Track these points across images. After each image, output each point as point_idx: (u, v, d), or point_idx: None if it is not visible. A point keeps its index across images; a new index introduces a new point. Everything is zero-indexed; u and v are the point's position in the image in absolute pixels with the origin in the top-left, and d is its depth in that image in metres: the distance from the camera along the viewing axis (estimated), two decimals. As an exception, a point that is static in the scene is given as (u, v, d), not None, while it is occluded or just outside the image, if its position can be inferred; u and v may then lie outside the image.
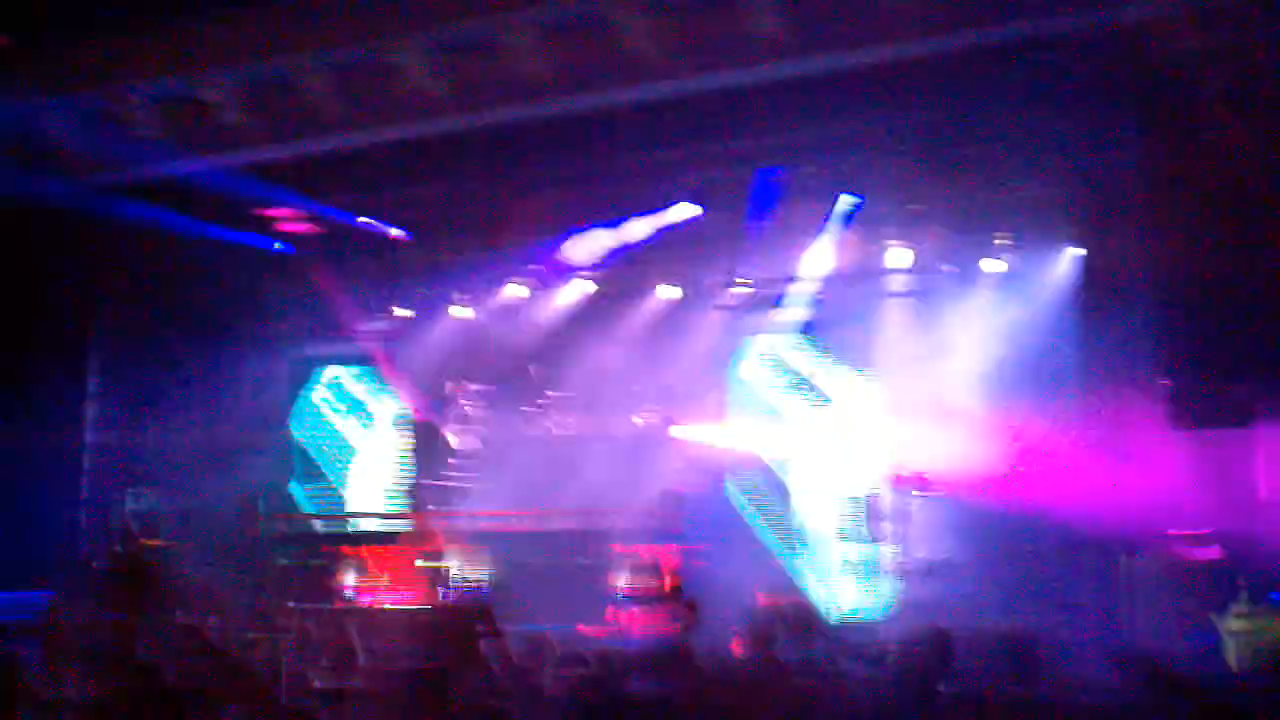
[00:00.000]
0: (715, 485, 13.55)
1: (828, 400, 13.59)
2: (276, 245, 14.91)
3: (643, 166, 13.29)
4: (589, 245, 14.37)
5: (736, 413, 13.97)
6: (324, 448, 16.11)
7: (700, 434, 13.74)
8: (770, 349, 14.03)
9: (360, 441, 16.02)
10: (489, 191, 14.25)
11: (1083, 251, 12.17)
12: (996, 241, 12.79)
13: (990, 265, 12.82)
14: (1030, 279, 12.46)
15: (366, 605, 11.95)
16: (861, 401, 13.26)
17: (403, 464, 15.05)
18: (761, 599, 8.20)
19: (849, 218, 13.15)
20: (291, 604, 10.63)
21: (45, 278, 14.23)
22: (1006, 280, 12.68)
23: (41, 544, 13.43)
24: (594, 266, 14.62)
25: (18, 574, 11.42)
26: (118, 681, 4.19)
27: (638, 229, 14.11)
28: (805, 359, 13.82)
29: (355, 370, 16.08)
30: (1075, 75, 10.43)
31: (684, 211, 13.88)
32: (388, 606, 12.08)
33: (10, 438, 13.74)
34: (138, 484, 13.78)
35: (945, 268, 13.04)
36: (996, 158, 12.13)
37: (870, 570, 12.37)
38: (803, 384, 13.77)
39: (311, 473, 16.03)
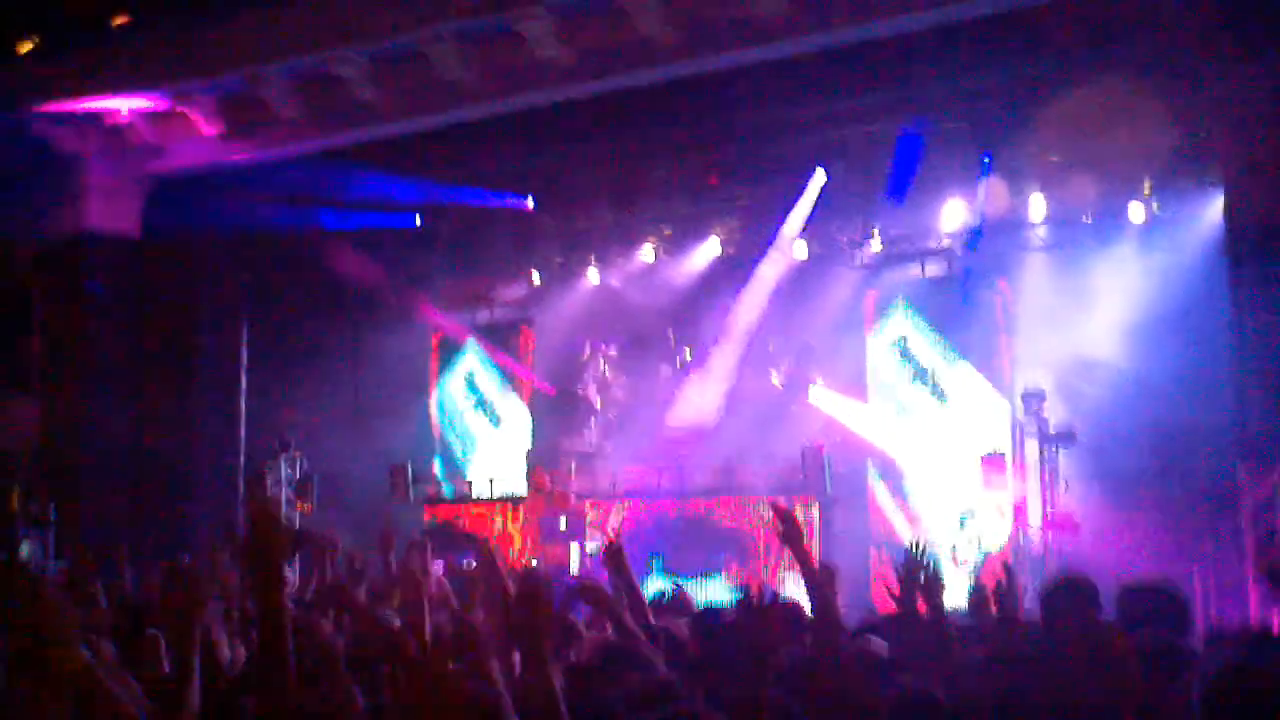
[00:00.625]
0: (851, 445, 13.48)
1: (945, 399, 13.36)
2: (417, 220, 15.20)
3: (773, 126, 13.19)
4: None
5: (870, 390, 13.81)
6: (463, 419, 16.43)
7: (836, 404, 13.65)
8: (898, 335, 13.79)
9: (497, 413, 16.27)
10: (620, 156, 14.31)
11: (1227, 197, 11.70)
12: (1141, 188, 12.39)
13: (1135, 213, 12.43)
14: (1177, 226, 12.04)
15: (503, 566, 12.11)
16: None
17: (540, 430, 15.31)
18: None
19: (987, 170, 12.86)
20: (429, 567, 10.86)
21: (198, 259, 14.81)
22: (1151, 229, 12.27)
23: (200, 510, 14.00)
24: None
25: (177, 539, 11.88)
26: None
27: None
28: (931, 352, 13.56)
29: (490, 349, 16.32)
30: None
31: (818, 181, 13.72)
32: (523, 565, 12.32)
33: (173, 411, 14.31)
34: (289, 450, 14.25)
35: (1087, 218, 12.67)
36: (1135, 102, 11.73)
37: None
38: (926, 377, 13.56)
39: (452, 442, 16.36)
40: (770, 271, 14.39)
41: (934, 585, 5.72)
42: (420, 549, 7.24)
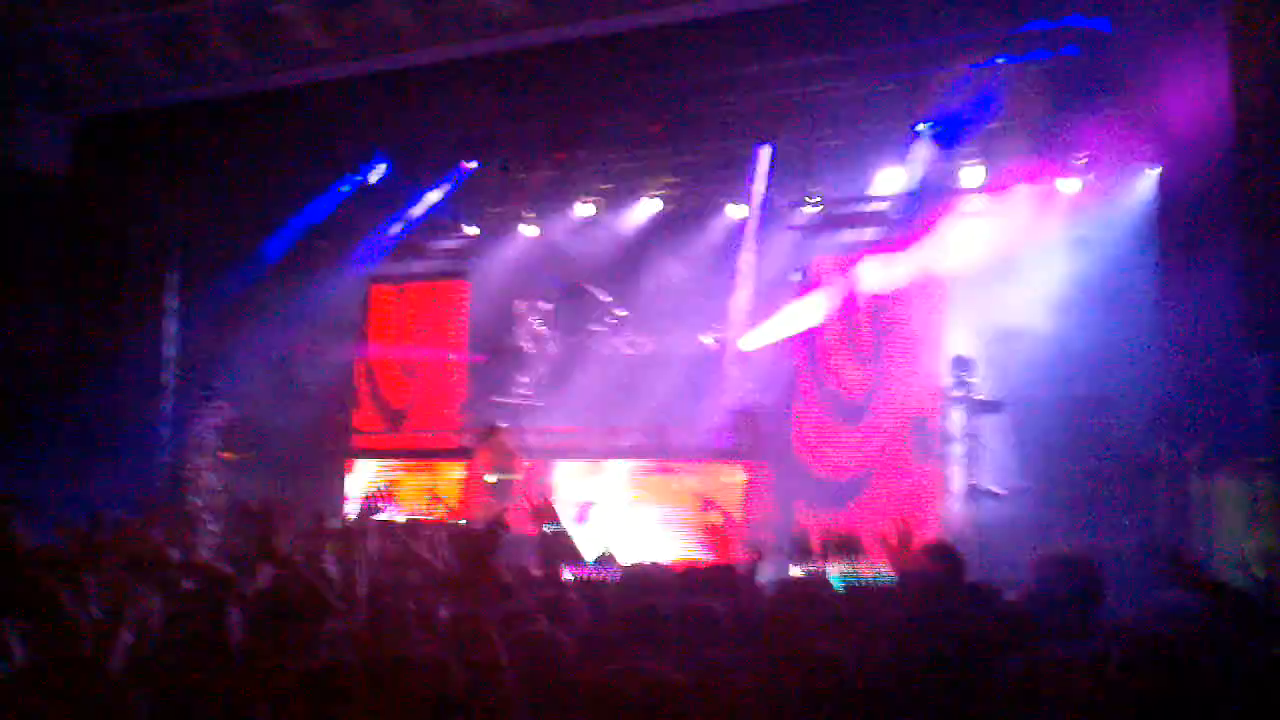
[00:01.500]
0: (783, 403, 13.55)
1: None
2: (353, 168, 15.00)
3: (710, 83, 13.12)
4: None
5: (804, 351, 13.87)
6: (396, 367, 16.30)
7: (770, 334, 13.67)
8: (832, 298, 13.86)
9: (431, 360, 16.15)
10: (560, 108, 14.18)
11: (1159, 170, 11.86)
12: (1073, 161, 12.52)
13: (1066, 185, 12.56)
14: (1107, 200, 12.17)
15: (433, 520, 12.11)
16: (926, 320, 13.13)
17: (472, 382, 15.24)
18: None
19: (922, 135, 12.93)
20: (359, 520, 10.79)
21: (126, 196, 14.48)
22: (1082, 201, 12.41)
23: (125, 460, 13.77)
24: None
25: (103, 492, 11.69)
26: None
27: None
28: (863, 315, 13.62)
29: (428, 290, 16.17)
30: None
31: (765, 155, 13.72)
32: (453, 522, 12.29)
33: (93, 353, 14.03)
34: (215, 399, 14.07)
35: (1020, 186, 12.78)
36: (1073, 73, 11.83)
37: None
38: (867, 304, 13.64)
39: (383, 392, 16.23)
40: (707, 232, 14.43)
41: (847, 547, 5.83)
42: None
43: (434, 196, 15.15)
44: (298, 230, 15.01)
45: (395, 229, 15.45)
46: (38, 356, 13.79)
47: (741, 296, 14.08)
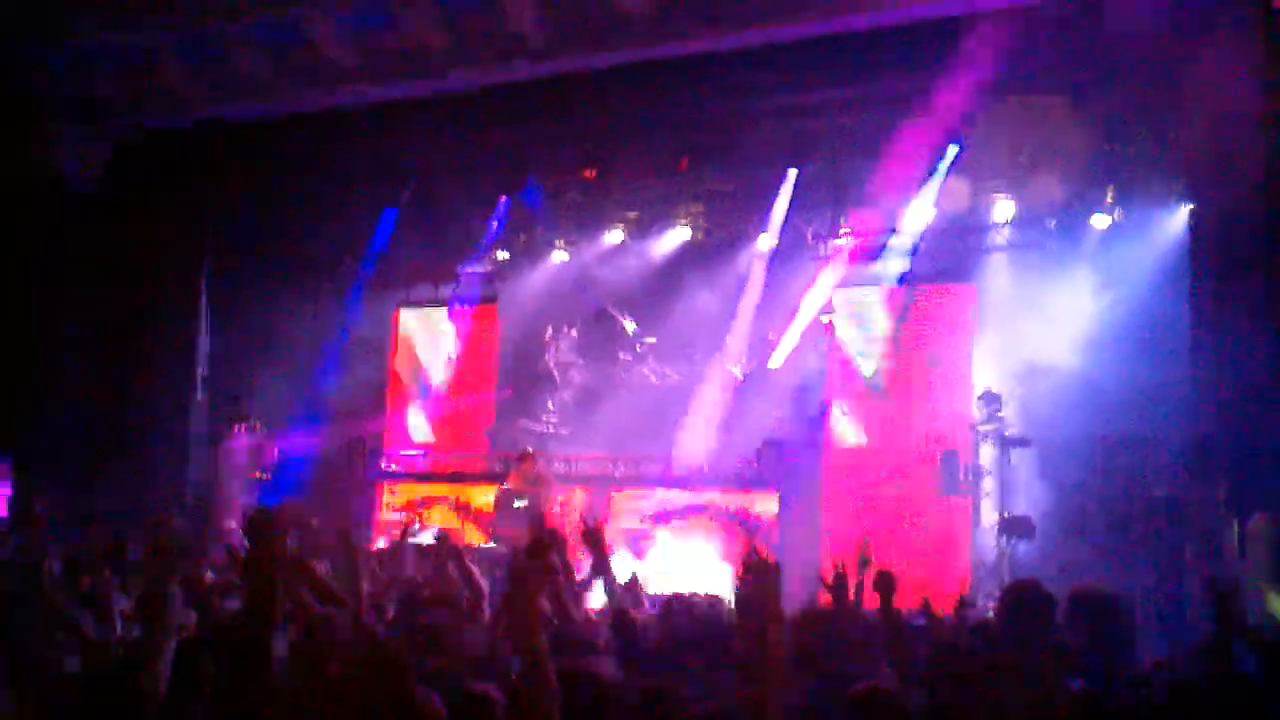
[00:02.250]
0: (812, 433, 13.51)
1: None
2: (386, 192, 15.08)
3: (738, 113, 13.19)
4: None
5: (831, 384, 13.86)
6: (426, 390, 16.32)
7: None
8: (862, 301, 13.84)
9: (460, 386, 16.18)
10: (590, 136, 14.26)
11: (1192, 207, 11.82)
12: (1105, 197, 12.50)
13: (1098, 221, 12.54)
14: (1139, 236, 12.13)
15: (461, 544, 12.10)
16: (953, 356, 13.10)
17: (501, 408, 15.27)
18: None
19: (953, 167, 12.94)
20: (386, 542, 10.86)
21: (160, 213, 14.60)
22: (1113, 237, 12.37)
23: (159, 477, 13.86)
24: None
25: (131, 509, 11.77)
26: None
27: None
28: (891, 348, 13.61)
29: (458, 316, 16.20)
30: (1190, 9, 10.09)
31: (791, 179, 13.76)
32: (478, 545, 12.31)
33: (124, 376, 14.15)
34: (248, 419, 14.15)
35: (1051, 223, 12.77)
36: (1106, 107, 11.84)
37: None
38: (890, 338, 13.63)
39: (416, 414, 16.27)
40: (735, 261, 14.46)
41: (885, 581, 5.81)
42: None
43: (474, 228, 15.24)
44: (330, 253, 15.10)
45: (428, 254, 15.51)
46: (73, 371, 13.93)
47: (768, 326, 14.07)
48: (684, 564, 12.45)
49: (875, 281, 13.79)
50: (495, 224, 15.22)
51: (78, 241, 14.20)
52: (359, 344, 15.73)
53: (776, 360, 13.79)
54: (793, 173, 13.78)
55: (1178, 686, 4.40)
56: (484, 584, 6.52)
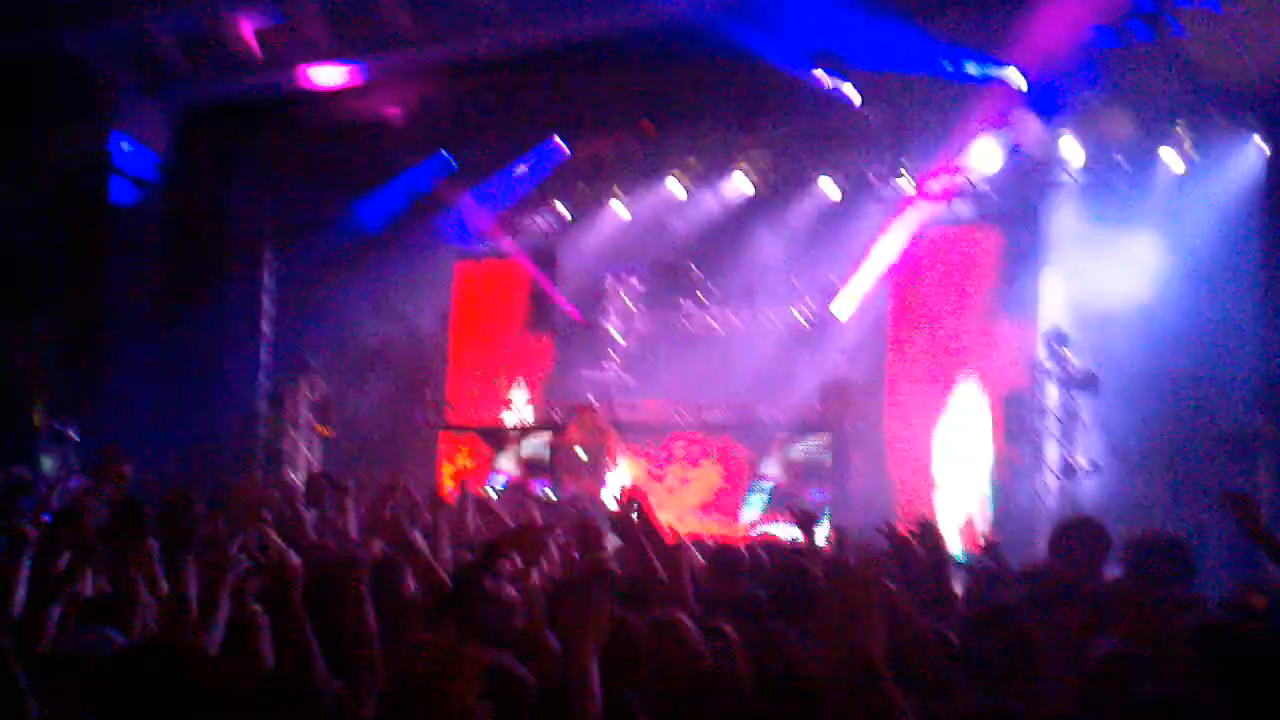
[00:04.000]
0: (874, 377, 13.39)
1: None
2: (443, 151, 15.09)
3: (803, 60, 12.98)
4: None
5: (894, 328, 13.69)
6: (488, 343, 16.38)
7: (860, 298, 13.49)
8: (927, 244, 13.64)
9: (520, 339, 16.23)
10: (648, 86, 14.14)
11: (1267, 147, 11.49)
12: (1177, 132, 12.17)
13: (1169, 157, 12.21)
14: (1211, 174, 11.81)
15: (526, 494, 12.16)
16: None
17: (561, 359, 15.30)
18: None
19: (1016, 106, 12.64)
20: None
21: (225, 179, 14.77)
22: (1186, 173, 12.05)
23: (223, 434, 14.07)
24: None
25: (196, 460, 11.97)
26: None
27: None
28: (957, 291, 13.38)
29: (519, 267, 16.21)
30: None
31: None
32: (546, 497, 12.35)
33: (194, 328, 14.36)
34: (310, 373, 14.30)
35: (1120, 160, 12.45)
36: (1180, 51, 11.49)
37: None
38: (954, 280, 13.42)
39: (471, 368, 16.32)
40: (798, 207, 14.31)
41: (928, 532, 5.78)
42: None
43: (522, 170, 15.15)
44: (390, 208, 15.16)
45: (486, 207, 15.52)
46: (142, 338, 14.16)
47: (832, 271, 13.92)
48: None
49: (940, 223, 13.57)
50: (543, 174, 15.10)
51: (147, 212, 14.40)
52: (420, 298, 15.79)
53: (842, 308, 13.64)
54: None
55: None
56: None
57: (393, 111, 14.09)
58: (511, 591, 4.53)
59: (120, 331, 14.09)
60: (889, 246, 13.74)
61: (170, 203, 14.55)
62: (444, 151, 14.93)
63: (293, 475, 13.14)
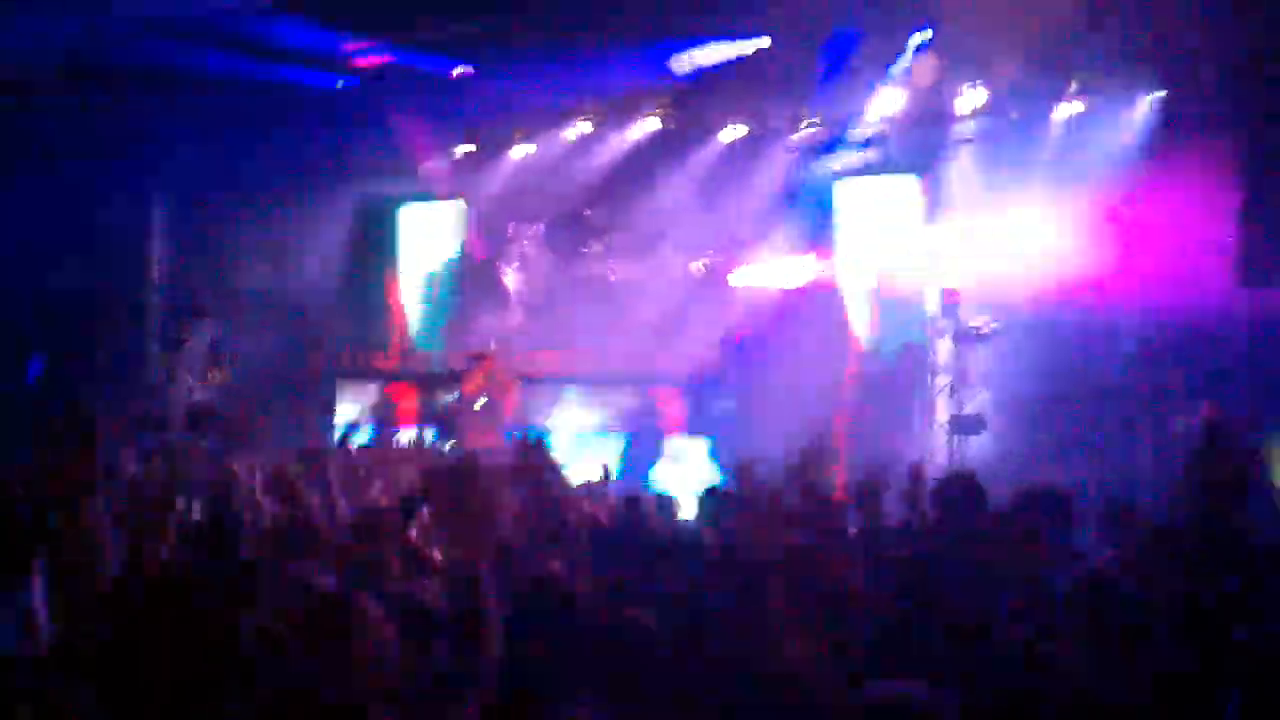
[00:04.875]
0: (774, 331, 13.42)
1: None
2: (339, 83, 14.73)
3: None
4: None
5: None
6: (388, 287, 16.15)
7: (759, 277, 13.52)
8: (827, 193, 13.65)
9: (421, 282, 16.04)
10: (553, 24, 13.92)
11: (1162, 93, 11.66)
12: (1071, 85, 12.30)
13: (1064, 110, 12.36)
14: (1105, 125, 11.98)
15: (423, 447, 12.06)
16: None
17: (463, 305, 15.15)
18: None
19: (920, 54, 12.67)
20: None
21: (111, 116, 14.28)
22: (1079, 126, 12.20)
23: (113, 379, 13.74)
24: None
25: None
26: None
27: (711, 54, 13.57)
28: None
29: (422, 209, 15.96)
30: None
31: (755, 44, 13.36)
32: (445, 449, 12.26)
33: (79, 274, 13.97)
34: (204, 319, 13.97)
35: (1015, 114, 12.57)
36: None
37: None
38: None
39: (375, 312, 16.10)
40: (702, 155, 14.25)
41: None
42: None
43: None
44: (287, 148, 14.78)
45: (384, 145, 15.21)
46: (21, 270, 13.72)
47: (736, 219, 13.90)
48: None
49: (839, 174, 13.62)
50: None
51: (29, 140, 13.90)
52: (318, 241, 15.51)
53: (737, 277, 13.60)
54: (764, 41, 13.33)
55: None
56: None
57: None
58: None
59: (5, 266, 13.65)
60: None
61: (54, 137, 14.05)
62: (340, 78, 14.52)
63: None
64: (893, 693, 2.89)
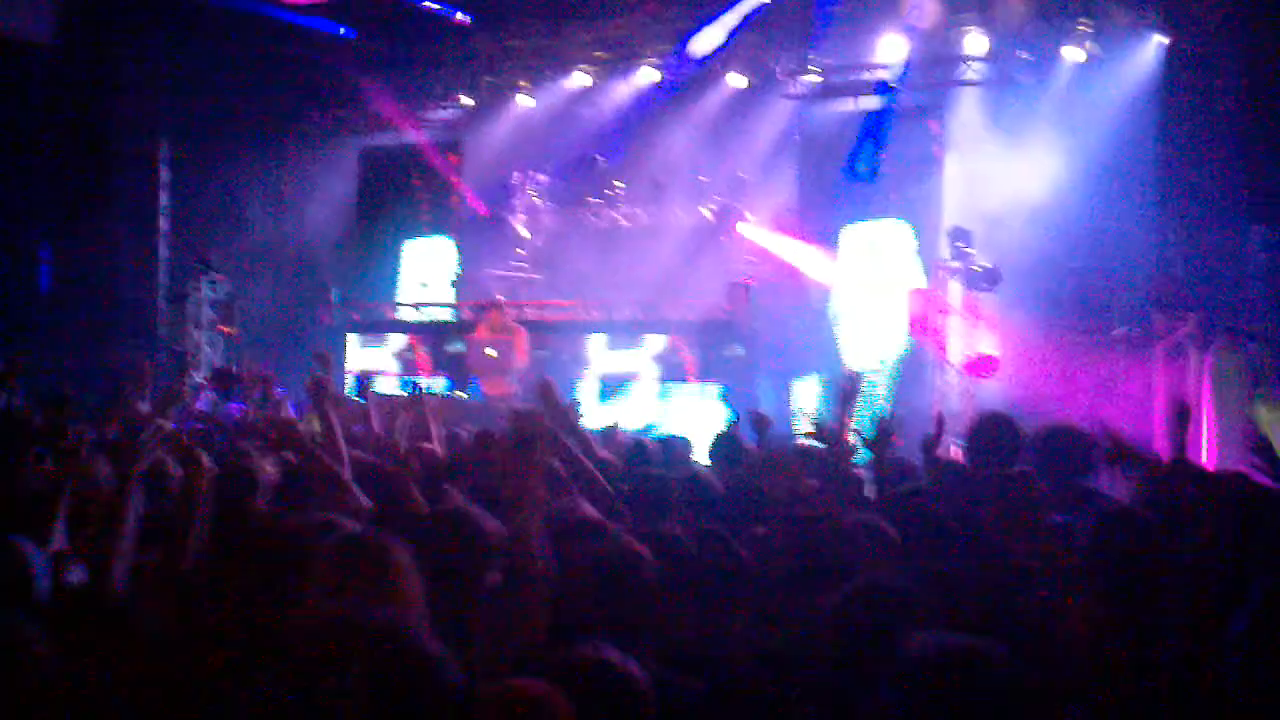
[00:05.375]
0: (783, 277, 13.44)
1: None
2: (341, 30, 14.67)
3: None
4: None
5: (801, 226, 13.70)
6: (391, 239, 16.14)
7: (766, 239, 13.56)
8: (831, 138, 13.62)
9: (429, 232, 16.03)
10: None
11: (1167, 40, 11.66)
12: (1078, 28, 12.27)
13: (1071, 53, 12.33)
14: (1112, 69, 11.97)
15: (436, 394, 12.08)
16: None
17: (465, 256, 15.15)
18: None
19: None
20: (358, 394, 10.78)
21: (114, 71, 14.20)
22: (1086, 70, 12.19)
23: (122, 331, 13.74)
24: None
25: (99, 365, 11.70)
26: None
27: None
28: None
29: (422, 165, 15.91)
30: None
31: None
32: (457, 395, 12.32)
33: (88, 230, 13.93)
34: (211, 271, 13.99)
35: (1022, 54, 12.53)
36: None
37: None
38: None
39: (381, 262, 16.11)
40: (705, 102, 14.23)
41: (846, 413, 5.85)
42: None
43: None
44: (289, 100, 14.75)
45: (386, 95, 15.16)
46: (27, 227, 13.70)
47: (740, 166, 13.90)
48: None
49: (845, 119, 13.59)
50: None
51: (29, 94, 13.82)
52: (322, 193, 15.48)
53: (746, 229, 13.60)
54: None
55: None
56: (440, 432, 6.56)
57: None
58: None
59: (8, 229, 13.62)
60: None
61: (55, 91, 13.97)
62: (341, 26, 14.44)
63: (194, 374, 12.89)
64: (939, 644, 2.72)
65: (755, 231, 13.57)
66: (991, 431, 5.68)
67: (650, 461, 6.22)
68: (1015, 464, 5.31)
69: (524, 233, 14.48)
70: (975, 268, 11.58)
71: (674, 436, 7.35)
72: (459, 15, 14.49)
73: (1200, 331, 10.33)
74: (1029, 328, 11.40)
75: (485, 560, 3.52)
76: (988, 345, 11.56)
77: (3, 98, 13.58)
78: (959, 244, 11.81)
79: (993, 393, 11.14)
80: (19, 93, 13.75)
